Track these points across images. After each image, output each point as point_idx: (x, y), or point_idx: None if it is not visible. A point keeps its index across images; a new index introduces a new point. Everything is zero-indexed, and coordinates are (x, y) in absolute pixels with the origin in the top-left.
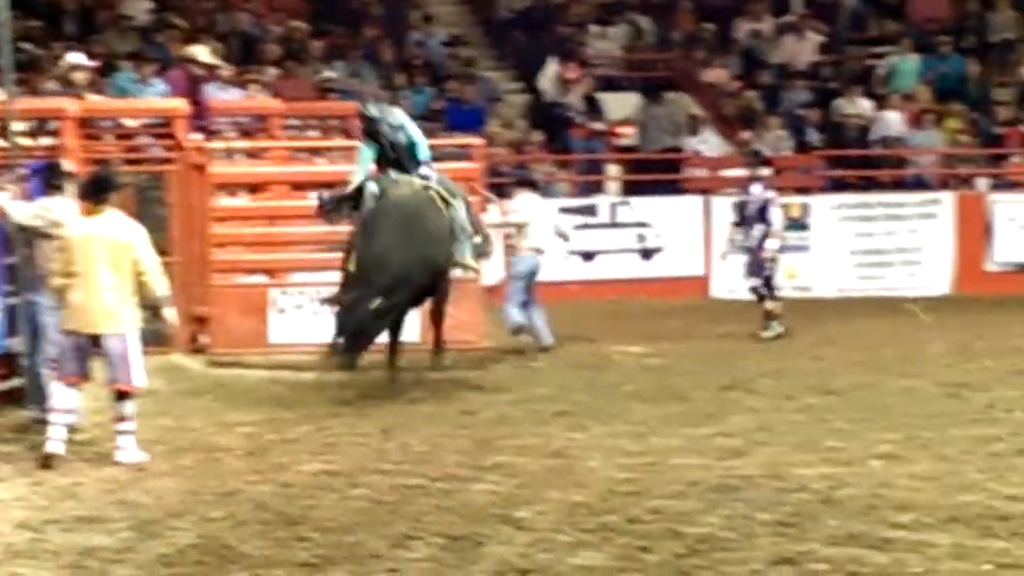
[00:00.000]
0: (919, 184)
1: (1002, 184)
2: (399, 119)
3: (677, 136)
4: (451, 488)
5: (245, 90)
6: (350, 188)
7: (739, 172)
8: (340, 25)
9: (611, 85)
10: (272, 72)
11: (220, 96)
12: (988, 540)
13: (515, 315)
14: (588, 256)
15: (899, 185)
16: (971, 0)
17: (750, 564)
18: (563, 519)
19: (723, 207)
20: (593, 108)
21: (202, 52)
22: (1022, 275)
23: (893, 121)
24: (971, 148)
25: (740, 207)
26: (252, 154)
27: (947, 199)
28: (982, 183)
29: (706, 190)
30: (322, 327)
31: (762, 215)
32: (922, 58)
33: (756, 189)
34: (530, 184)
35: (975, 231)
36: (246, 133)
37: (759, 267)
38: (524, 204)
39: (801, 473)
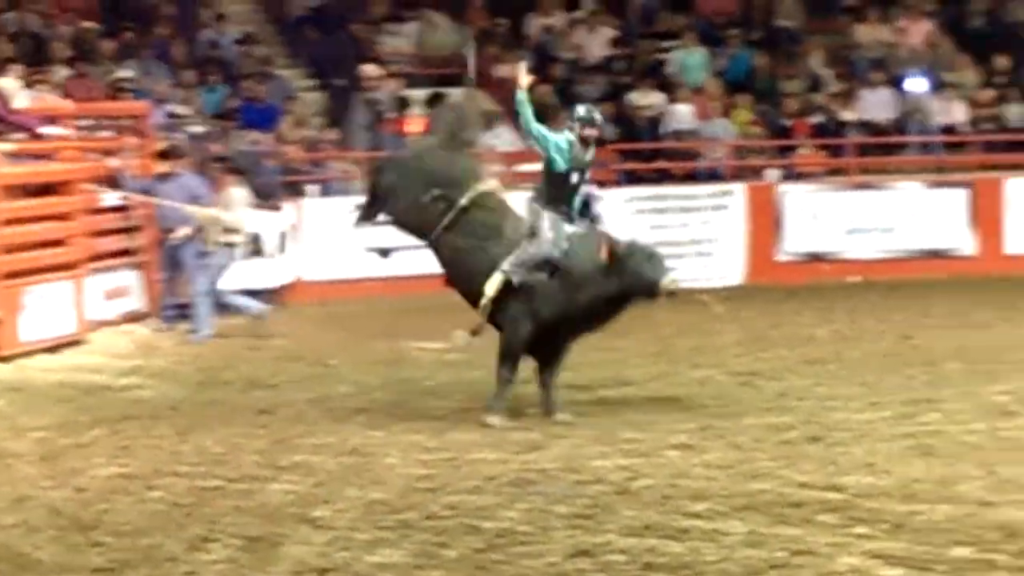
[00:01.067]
0: (710, 176)
1: (791, 175)
2: None
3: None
4: (248, 489)
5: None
6: None
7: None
8: (131, 24)
9: (414, 82)
10: (63, 73)
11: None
12: (781, 527)
13: (240, 301)
14: (385, 252)
15: (691, 177)
16: None
17: (547, 557)
18: (361, 517)
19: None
20: (402, 105)
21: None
22: (812, 265)
23: (684, 114)
24: (760, 140)
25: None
26: (41, 155)
27: (738, 190)
28: (772, 174)
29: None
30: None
31: (585, 209)
32: (710, 51)
33: None
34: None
35: (766, 222)
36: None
37: None
38: (232, 197)
39: (598, 465)
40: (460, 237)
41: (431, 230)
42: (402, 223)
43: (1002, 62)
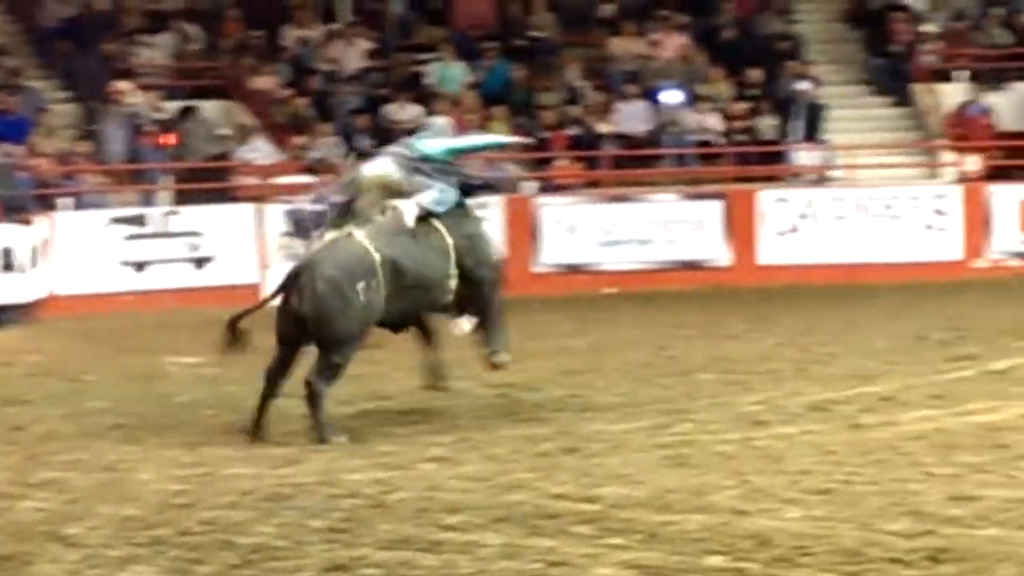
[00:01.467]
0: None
1: (548, 187)
2: None
3: (218, 145)
4: None
5: None
6: None
7: (292, 179)
8: None
9: (168, 95)
10: None
11: None
12: (537, 539)
13: None
14: (140, 266)
15: None
16: (514, 4)
17: (303, 572)
18: (114, 534)
19: (276, 215)
20: (156, 117)
21: None
22: (569, 276)
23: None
24: (517, 152)
25: (293, 215)
26: None
27: (495, 202)
28: (529, 186)
29: (258, 198)
30: None
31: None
32: (467, 64)
33: (315, 196)
34: None
35: (523, 234)
36: None
37: None
38: None
39: (354, 479)
40: None
41: None
42: None
43: (754, 74)
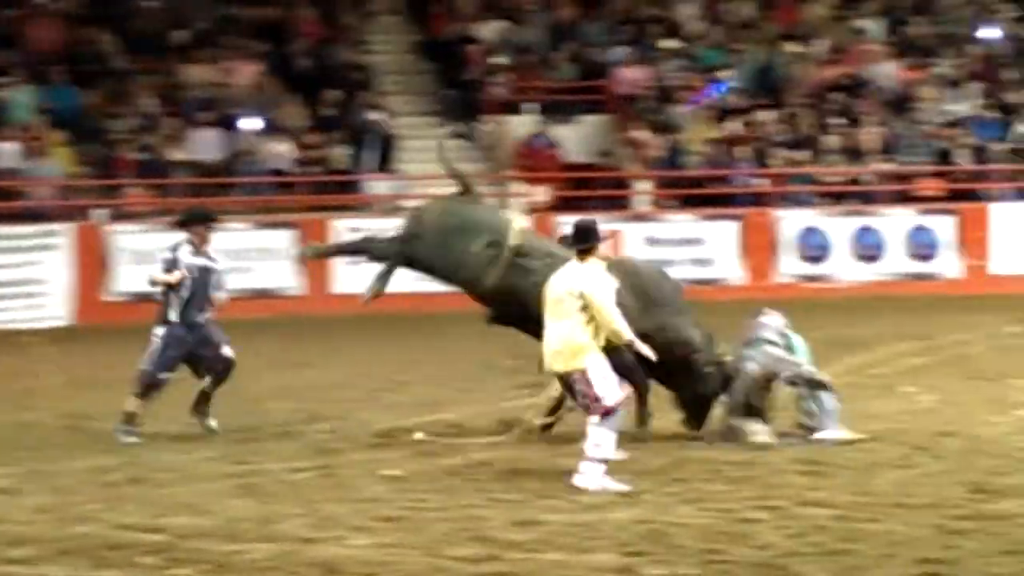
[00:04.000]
0: (36, 216)
1: (119, 215)
2: None
3: None
4: None
5: None
6: None
7: None
8: None
9: None
10: None
11: None
12: (103, 570)
13: None
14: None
15: (16, 217)
16: (84, 29)
17: None
18: None
19: None
20: None
21: None
22: (139, 305)
23: (8, 152)
24: (88, 179)
25: None
26: None
27: (65, 230)
28: (99, 214)
29: None
30: None
31: None
32: (38, 88)
33: None
34: None
35: (93, 261)
36: None
37: None
38: None
39: None
40: (515, 277)
41: (481, 277)
42: (448, 277)
43: (328, 104)
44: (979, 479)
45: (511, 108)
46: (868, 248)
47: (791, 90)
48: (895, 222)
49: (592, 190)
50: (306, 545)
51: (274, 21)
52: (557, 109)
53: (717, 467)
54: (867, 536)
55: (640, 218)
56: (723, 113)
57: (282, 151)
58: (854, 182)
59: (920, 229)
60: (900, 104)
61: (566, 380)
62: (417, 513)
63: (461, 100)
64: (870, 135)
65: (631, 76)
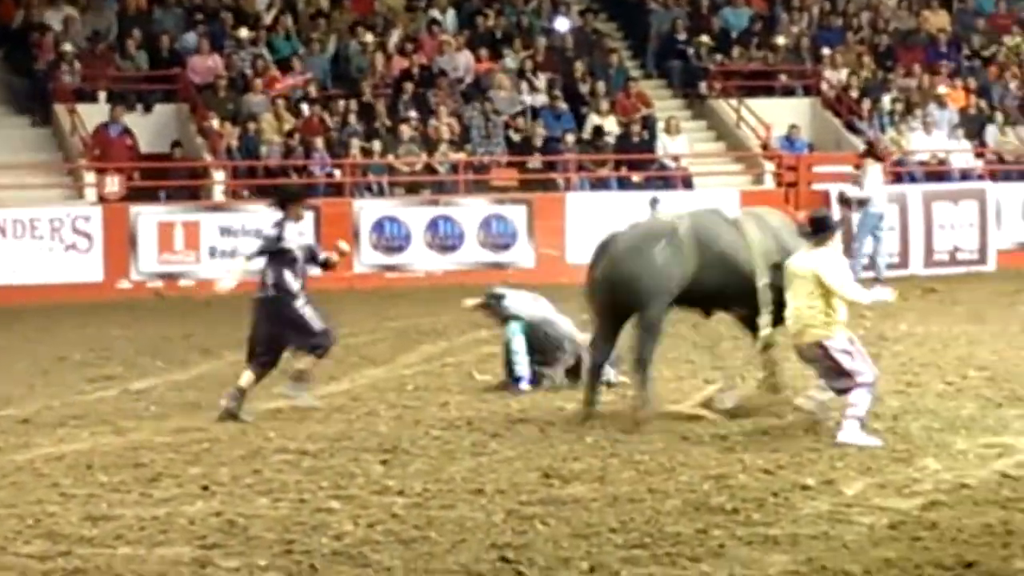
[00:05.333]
0: None
1: None
2: None
3: None
4: None
5: None
6: None
7: None
8: None
9: None
10: None
11: None
12: None
13: None
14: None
15: None
16: None
17: None
18: None
19: None
20: None
21: None
22: None
23: None
24: None
25: None
26: None
27: None
28: None
29: None
30: None
31: None
32: None
33: None
34: None
35: None
36: None
37: None
38: None
39: None
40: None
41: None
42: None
43: None
44: (551, 464)
45: (83, 97)
46: (445, 238)
47: (366, 80)
48: (471, 212)
49: (167, 180)
50: None
51: None
52: (130, 97)
53: (293, 457)
54: (441, 523)
55: (215, 208)
56: (298, 103)
57: None
58: (430, 172)
59: (496, 218)
60: (474, 94)
61: (806, 354)
62: None
63: (31, 89)
64: (445, 125)
65: (205, 65)
